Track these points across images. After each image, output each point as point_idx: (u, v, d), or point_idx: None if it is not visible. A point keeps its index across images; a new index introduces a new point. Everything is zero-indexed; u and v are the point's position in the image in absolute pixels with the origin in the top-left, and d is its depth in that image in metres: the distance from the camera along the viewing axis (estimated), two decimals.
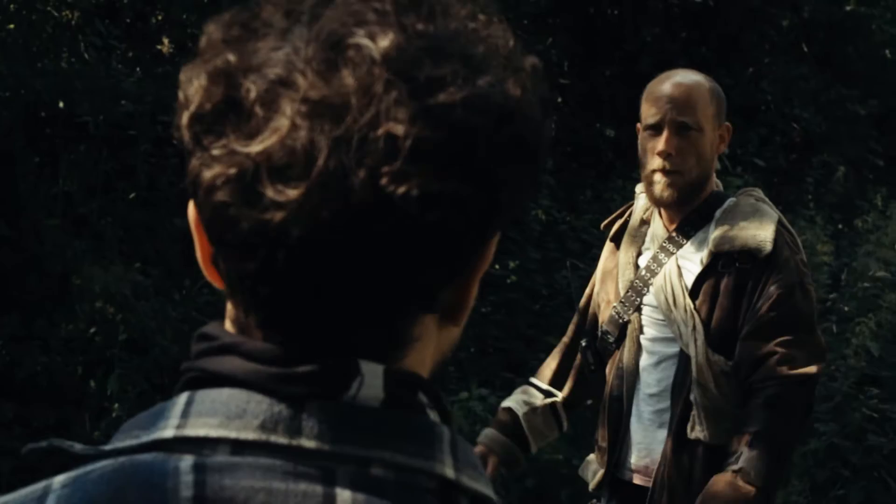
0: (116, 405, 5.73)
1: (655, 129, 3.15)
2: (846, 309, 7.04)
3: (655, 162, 3.14)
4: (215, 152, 0.84)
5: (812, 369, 3.09)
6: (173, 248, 6.68)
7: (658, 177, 3.15)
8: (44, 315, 6.19)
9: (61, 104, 7.02)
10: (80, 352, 6.05)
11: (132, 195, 6.92)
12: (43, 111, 7.03)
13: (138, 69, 7.74)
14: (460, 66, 0.85)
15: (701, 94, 3.16)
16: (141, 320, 6.10)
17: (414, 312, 0.88)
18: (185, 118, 0.87)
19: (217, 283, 0.91)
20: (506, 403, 3.48)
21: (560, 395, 3.43)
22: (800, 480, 5.90)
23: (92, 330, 6.13)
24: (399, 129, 0.82)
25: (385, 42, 0.83)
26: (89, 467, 0.86)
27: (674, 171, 3.13)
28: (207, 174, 0.85)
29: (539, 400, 3.43)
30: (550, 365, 3.48)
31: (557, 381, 3.44)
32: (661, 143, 3.12)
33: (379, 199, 0.82)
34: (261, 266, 0.85)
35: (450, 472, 0.86)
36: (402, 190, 0.82)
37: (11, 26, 7.26)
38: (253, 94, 0.83)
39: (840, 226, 8.44)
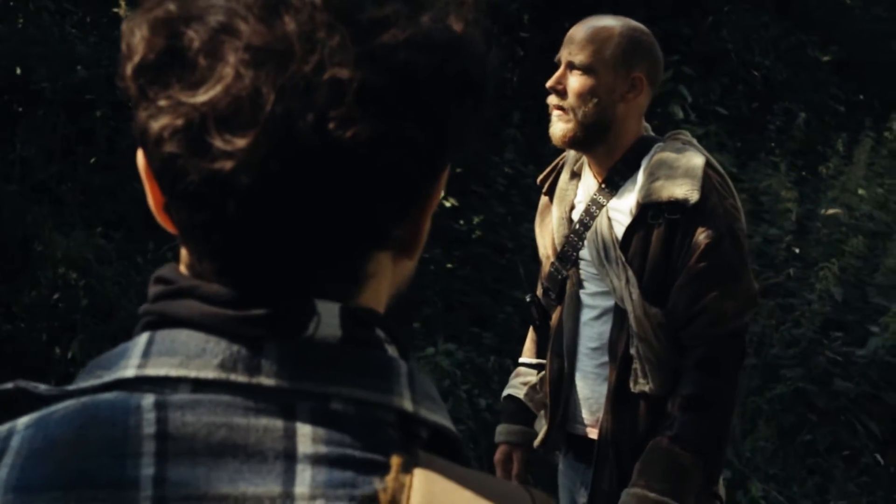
0: (81, 370, 5.71)
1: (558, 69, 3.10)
2: (810, 254, 7.09)
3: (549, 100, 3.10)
4: (161, 103, 0.84)
5: (742, 320, 3.00)
6: (135, 211, 6.64)
7: (553, 116, 3.07)
8: (6, 282, 6.15)
9: (18, 70, 6.95)
10: (44, 318, 6.02)
11: (92, 159, 6.86)
12: None
13: (95, 32, 7.66)
14: (402, 5, 0.85)
15: (602, 37, 3.03)
16: (104, 285, 6.07)
17: (367, 250, 0.90)
18: (129, 69, 0.87)
19: (171, 228, 0.91)
20: (505, 393, 3.43)
21: None
22: (767, 426, 5.95)
23: (55, 296, 6.10)
24: (344, 73, 0.82)
25: None
26: (52, 408, 0.88)
27: (560, 107, 3.04)
28: (155, 125, 0.85)
29: (534, 376, 3.38)
30: (532, 338, 3.43)
31: (543, 351, 3.36)
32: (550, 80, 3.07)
33: (327, 144, 0.82)
34: (212, 215, 0.85)
35: (408, 405, 0.88)
36: (349, 133, 0.82)
37: None
38: (196, 44, 0.83)
39: (803, 172, 8.48)
